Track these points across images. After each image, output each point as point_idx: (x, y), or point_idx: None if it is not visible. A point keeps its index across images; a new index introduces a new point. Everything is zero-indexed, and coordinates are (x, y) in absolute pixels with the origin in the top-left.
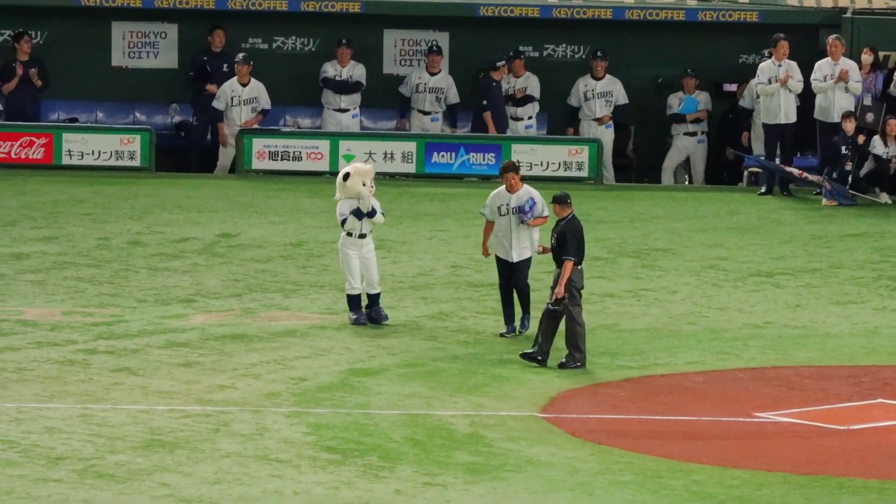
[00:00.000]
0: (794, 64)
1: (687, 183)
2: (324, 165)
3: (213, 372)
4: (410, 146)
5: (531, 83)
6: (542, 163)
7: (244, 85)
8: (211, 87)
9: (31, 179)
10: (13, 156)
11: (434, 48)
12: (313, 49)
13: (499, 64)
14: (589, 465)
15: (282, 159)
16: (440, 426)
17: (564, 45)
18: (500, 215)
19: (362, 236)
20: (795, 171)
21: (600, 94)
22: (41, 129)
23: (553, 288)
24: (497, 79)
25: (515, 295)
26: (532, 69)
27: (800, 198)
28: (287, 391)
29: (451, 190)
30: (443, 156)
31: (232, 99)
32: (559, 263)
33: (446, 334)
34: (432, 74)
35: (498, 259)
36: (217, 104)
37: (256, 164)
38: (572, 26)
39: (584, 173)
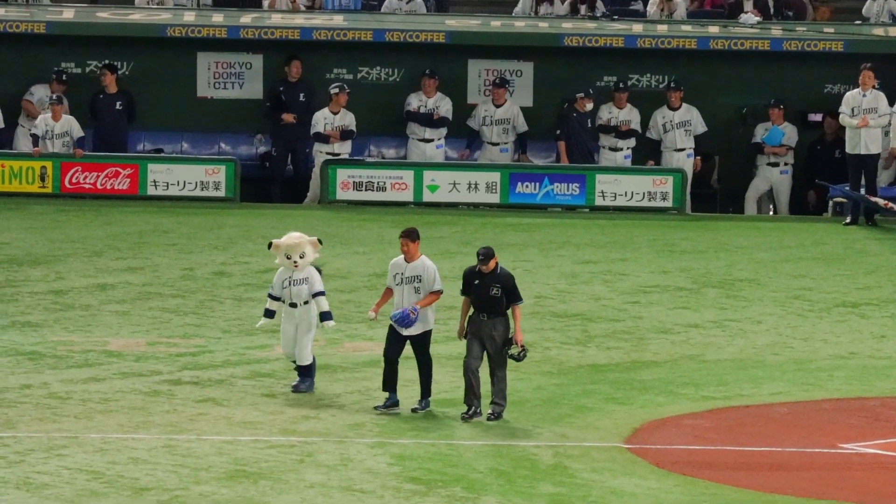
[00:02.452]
0: (880, 94)
1: (771, 213)
2: (408, 196)
3: (297, 403)
4: (494, 176)
5: (633, 117)
6: (626, 193)
7: (335, 113)
8: (286, 117)
9: (117, 210)
10: (99, 186)
11: (497, 81)
12: (398, 79)
13: (578, 95)
14: (673, 497)
15: (366, 189)
16: (524, 457)
17: (649, 75)
18: (396, 284)
19: (293, 305)
20: (881, 202)
21: (678, 124)
22: (127, 159)
23: (481, 335)
24: (580, 110)
25: (419, 373)
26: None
27: (885, 228)
28: (371, 422)
29: (535, 220)
30: (527, 186)
31: (325, 126)
32: (493, 313)
33: (530, 364)
34: (498, 106)
35: (390, 329)
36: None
37: (341, 194)
38: (657, 56)
39: (668, 203)
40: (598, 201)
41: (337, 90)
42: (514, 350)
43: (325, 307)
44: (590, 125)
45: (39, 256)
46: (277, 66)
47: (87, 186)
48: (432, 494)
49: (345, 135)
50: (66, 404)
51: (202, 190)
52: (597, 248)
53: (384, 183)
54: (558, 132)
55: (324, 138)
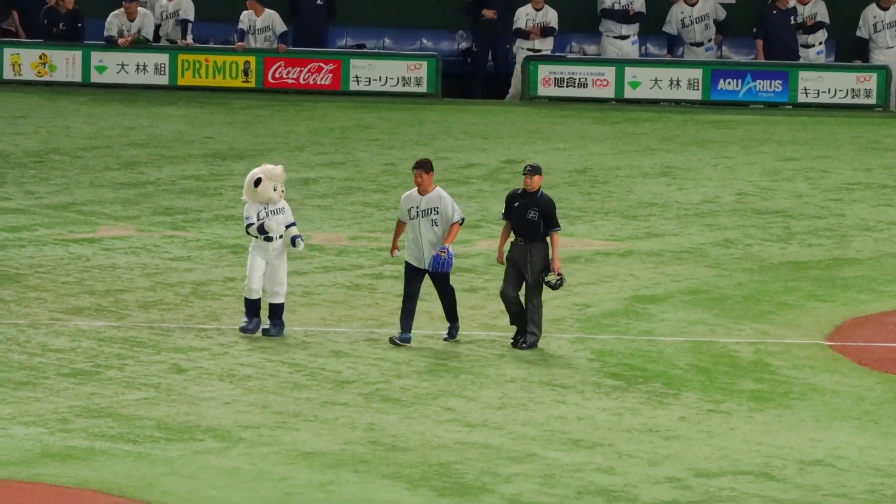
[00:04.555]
0: None
1: None
2: (609, 92)
3: (497, 297)
4: (696, 73)
5: (819, 9)
6: (829, 90)
7: (538, 10)
8: (487, 13)
9: (319, 105)
10: (302, 81)
11: None
12: None
13: None
14: (875, 394)
15: (567, 86)
16: (725, 353)
17: None
18: (411, 218)
19: (269, 240)
20: None
21: (889, 23)
22: (329, 55)
23: (526, 261)
24: (782, 7)
25: (441, 304)
26: None
27: None
28: (571, 317)
29: (737, 117)
30: (729, 82)
31: (527, 23)
32: (530, 237)
33: (731, 261)
34: (692, 5)
35: (407, 265)
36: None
37: (542, 90)
38: None
39: (872, 100)
40: (801, 98)
41: None
42: (550, 277)
43: (296, 232)
44: (793, 22)
45: (242, 151)
46: None
47: (289, 81)
48: (632, 390)
49: (546, 31)
50: None
51: (404, 85)
52: (799, 145)
53: (585, 79)
54: (755, 30)
55: (525, 34)
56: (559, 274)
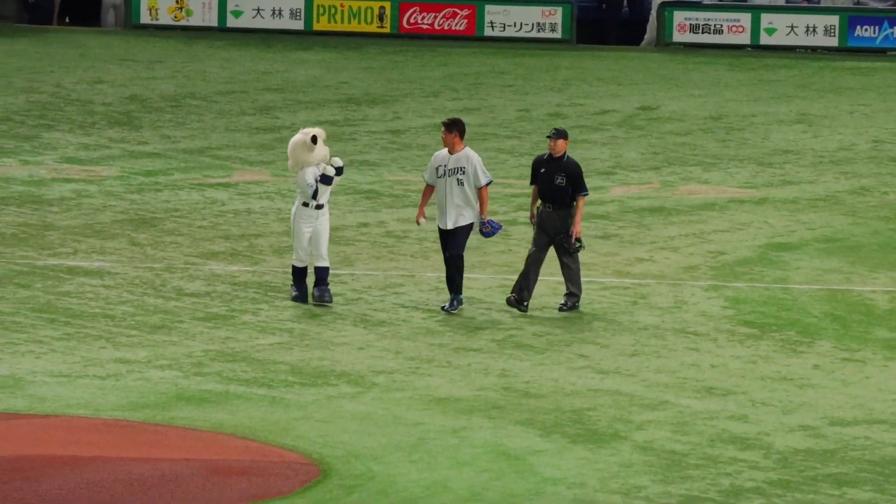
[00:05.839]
0: None
1: None
2: (745, 39)
3: (631, 245)
4: (833, 20)
5: None
6: None
7: None
8: None
9: (454, 51)
10: (436, 27)
11: None
12: None
13: None
14: None
15: (703, 32)
16: (860, 302)
17: None
18: (438, 177)
19: (319, 207)
20: None
21: None
22: (464, 0)
23: (536, 222)
24: None
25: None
26: None
27: None
28: (705, 265)
29: (874, 64)
30: (866, 29)
31: None
32: (558, 203)
33: (867, 209)
34: None
35: (439, 229)
36: None
37: (677, 37)
38: None
39: None
40: None
41: None
42: (566, 242)
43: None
44: None
45: (377, 96)
46: None
47: (424, 27)
48: (766, 338)
49: None
50: (403, 243)
51: (538, 31)
52: None
53: (721, 26)
54: None
55: None
56: (578, 239)
